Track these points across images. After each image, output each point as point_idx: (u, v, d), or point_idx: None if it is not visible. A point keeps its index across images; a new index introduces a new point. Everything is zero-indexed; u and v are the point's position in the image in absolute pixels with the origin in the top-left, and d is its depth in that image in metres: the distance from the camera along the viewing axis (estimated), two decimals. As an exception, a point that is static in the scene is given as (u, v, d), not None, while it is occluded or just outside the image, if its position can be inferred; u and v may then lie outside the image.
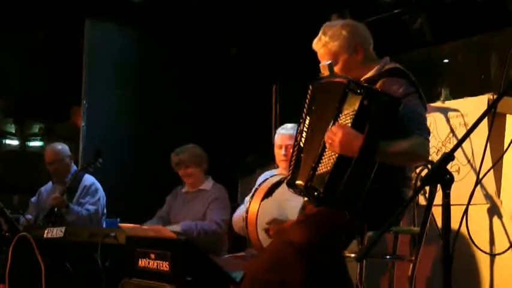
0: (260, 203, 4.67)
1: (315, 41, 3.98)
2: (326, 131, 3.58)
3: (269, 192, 4.72)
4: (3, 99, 10.98)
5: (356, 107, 3.51)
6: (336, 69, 3.91)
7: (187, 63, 8.04)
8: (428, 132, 3.73)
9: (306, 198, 3.93)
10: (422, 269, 4.45)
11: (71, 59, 8.64)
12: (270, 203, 4.69)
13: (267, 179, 4.91)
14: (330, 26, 3.96)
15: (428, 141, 3.70)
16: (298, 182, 3.74)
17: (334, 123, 3.57)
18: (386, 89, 3.68)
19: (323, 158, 3.59)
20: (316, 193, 3.62)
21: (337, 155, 3.53)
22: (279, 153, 5.30)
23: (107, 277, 4.78)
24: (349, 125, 3.52)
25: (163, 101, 7.89)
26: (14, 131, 12.92)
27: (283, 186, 4.65)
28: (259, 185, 4.84)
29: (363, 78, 3.86)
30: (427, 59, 6.18)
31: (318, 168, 3.60)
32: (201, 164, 6.25)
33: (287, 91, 7.83)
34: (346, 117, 3.55)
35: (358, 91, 3.54)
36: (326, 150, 3.59)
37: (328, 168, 3.56)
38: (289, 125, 5.40)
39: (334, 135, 3.50)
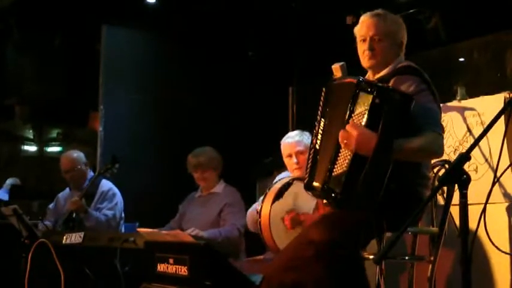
0: (271, 206, 4.68)
1: (372, 14, 3.95)
2: (340, 132, 3.57)
3: (279, 194, 4.73)
4: (21, 105, 11.02)
5: (368, 106, 3.51)
6: (377, 47, 3.88)
7: (203, 67, 8.06)
8: (442, 128, 3.73)
9: (324, 200, 3.91)
10: (442, 269, 4.44)
11: (88, 65, 8.69)
12: (281, 205, 4.71)
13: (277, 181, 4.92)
14: (389, 13, 3.97)
15: (442, 136, 3.70)
16: (315, 184, 3.73)
17: (347, 123, 3.55)
18: (398, 86, 3.69)
19: (338, 158, 3.58)
20: (333, 194, 3.60)
21: (352, 155, 3.52)
22: (291, 163, 5.26)
23: (126, 282, 4.78)
24: (363, 124, 3.51)
25: (180, 105, 7.90)
26: (32, 137, 12.97)
27: (293, 187, 4.69)
28: (269, 188, 4.85)
29: (377, 77, 3.87)
30: (442, 58, 6.15)
31: (334, 170, 3.59)
32: (218, 167, 6.27)
33: (303, 93, 7.81)
34: (359, 116, 3.54)
35: (369, 89, 3.54)
36: (341, 150, 3.58)
37: (344, 168, 3.55)
38: (292, 133, 5.38)
39: (348, 135, 3.50)
